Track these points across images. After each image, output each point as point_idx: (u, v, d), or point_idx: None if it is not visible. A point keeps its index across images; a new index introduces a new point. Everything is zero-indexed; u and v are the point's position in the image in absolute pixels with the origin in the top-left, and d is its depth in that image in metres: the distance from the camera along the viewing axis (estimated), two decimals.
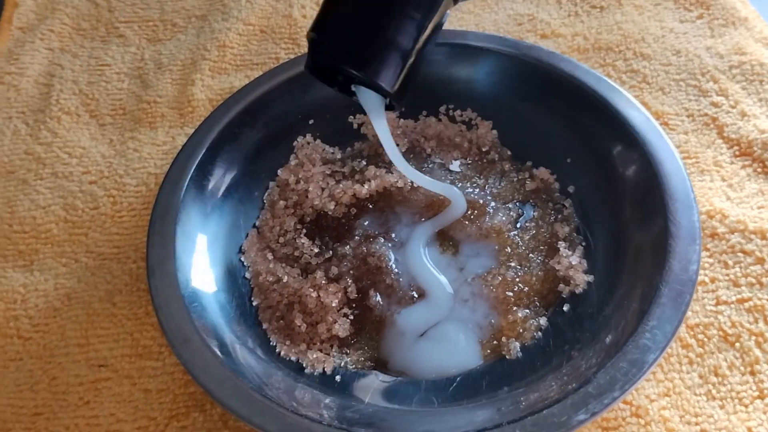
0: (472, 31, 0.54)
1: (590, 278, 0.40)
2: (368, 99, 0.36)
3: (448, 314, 0.39)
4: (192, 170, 0.42)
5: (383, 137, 0.39)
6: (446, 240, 0.42)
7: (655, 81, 0.50)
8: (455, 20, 0.56)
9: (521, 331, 0.39)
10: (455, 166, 0.46)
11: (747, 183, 0.44)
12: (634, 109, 0.43)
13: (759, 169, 0.45)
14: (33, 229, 0.45)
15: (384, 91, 0.33)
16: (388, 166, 0.46)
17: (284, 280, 0.40)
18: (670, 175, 0.39)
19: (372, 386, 0.37)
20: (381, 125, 0.38)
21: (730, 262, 0.41)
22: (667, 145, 0.41)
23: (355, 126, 0.48)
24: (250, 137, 0.45)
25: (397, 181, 0.44)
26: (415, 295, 0.40)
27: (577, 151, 0.44)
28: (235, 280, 0.41)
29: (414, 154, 0.47)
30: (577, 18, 0.55)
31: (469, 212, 0.42)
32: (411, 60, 0.33)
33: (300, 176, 0.45)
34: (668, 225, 0.38)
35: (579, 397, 0.33)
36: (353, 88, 0.36)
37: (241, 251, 0.42)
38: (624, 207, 0.41)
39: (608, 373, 0.33)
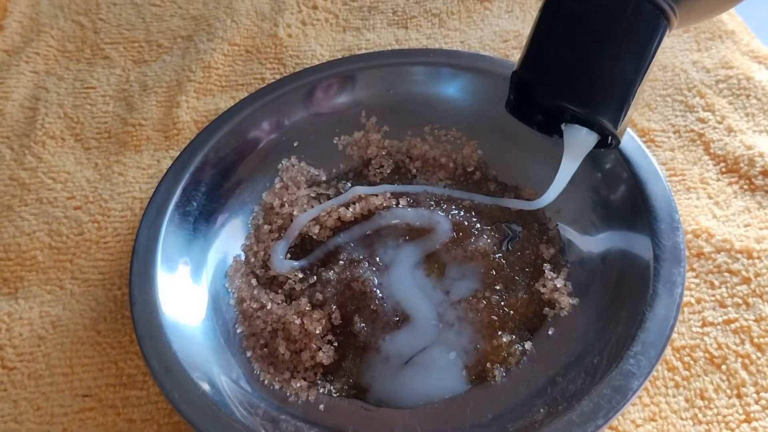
0: (457, 49, 0.54)
1: (575, 301, 0.40)
2: (578, 138, 0.34)
3: (434, 339, 0.39)
4: (176, 195, 0.42)
5: (565, 178, 0.38)
6: (432, 262, 0.42)
7: (641, 97, 0.50)
8: (440, 37, 0.56)
9: (506, 356, 0.38)
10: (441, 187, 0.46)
11: (733, 200, 0.44)
12: None
13: (745, 186, 0.45)
14: (18, 256, 0.45)
15: (608, 131, 0.31)
16: (373, 186, 0.46)
17: (268, 307, 0.40)
18: (655, 196, 0.39)
19: (356, 415, 0.37)
20: (574, 166, 0.36)
21: (716, 282, 0.41)
22: (652, 166, 0.41)
23: (340, 147, 0.48)
24: (235, 161, 0.45)
25: (382, 203, 0.44)
26: (400, 321, 0.39)
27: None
28: (220, 308, 0.41)
29: (399, 175, 0.47)
30: None
31: (454, 234, 0.42)
32: (634, 96, 0.31)
33: (285, 199, 0.45)
34: (653, 247, 0.38)
35: (562, 426, 0.32)
36: (563, 127, 0.34)
37: (225, 277, 0.42)
38: (608, 228, 0.41)
39: (592, 401, 0.33)
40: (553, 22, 0.30)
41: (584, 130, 0.32)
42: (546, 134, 0.35)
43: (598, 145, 0.35)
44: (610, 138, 0.33)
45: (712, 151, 0.47)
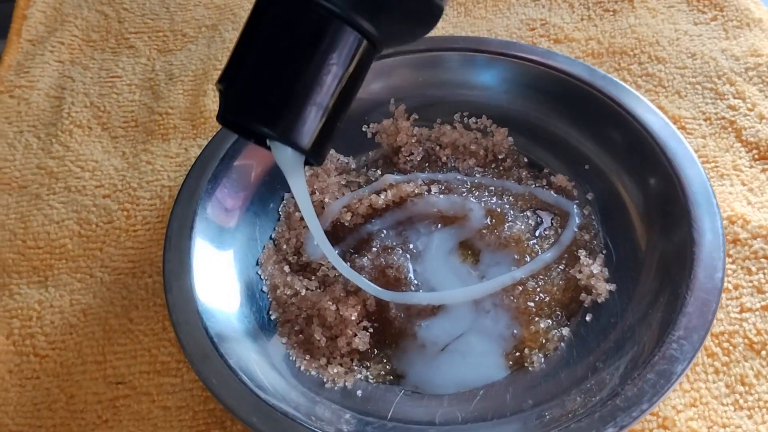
0: (486, 37, 0.54)
1: (612, 287, 0.39)
2: (283, 156, 0.32)
3: (470, 326, 0.38)
4: (206, 183, 0.42)
5: (301, 200, 0.36)
6: (466, 249, 0.42)
7: (671, 84, 0.50)
8: (467, 26, 0.55)
9: (544, 341, 0.38)
10: (472, 174, 0.45)
11: (767, 187, 0.44)
12: (653, 114, 0.42)
13: None
14: (47, 245, 0.44)
15: (298, 149, 0.30)
16: (404, 174, 0.45)
17: (302, 294, 0.40)
18: (691, 181, 0.39)
19: (394, 401, 0.37)
20: (298, 185, 0.35)
21: (753, 268, 0.40)
22: (687, 151, 0.40)
23: (369, 135, 0.47)
24: (265, 148, 0.45)
25: (414, 190, 0.43)
26: (436, 307, 0.39)
27: (595, 158, 0.44)
28: (253, 294, 0.40)
29: (429, 162, 0.46)
30: (590, 22, 0.55)
31: (487, 221, 0.42)
32: (327, 113, 0.30)
33: (315, 187, 0.44)
34: (691, 232, 0.37)
35: (607, 411, 0.32)
36: (268, 143, 0.32)
37: (257, 264, 0.42)
38: (645, 214, 0.41)
39: (636, 386, 0.33)
40: (251, 35, 0.30)
41: (289, 150, 0.31)
42: (266, 148, 0.33)
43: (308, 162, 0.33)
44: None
45: (743, 138, 0.46)
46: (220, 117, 0.30)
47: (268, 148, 0.33)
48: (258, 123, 0.30)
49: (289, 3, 0.29)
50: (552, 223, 0.43)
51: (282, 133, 0.30)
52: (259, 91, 0.29)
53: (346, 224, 0.43)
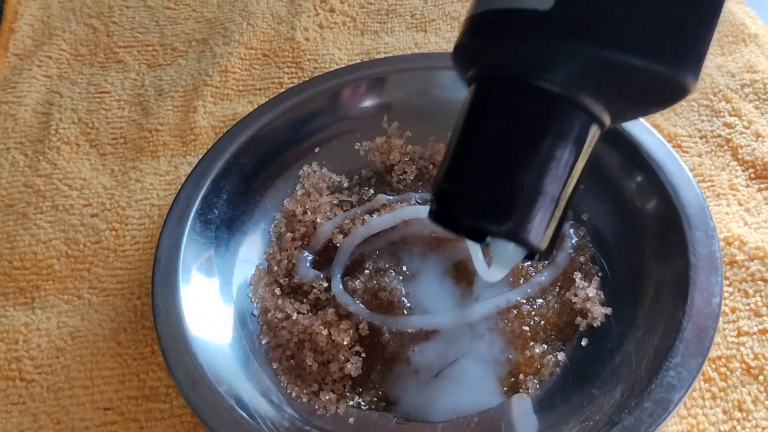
0: None
1: (608, 311, 0.39)
2: (505, 252, 0.30)
3: (464, 351, 0.38)
4: (197, 203, 0.41)
5: (491, 279, 0.34)
6: (460, 271, 0.41)
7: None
8: None
9: (539, 367, 0.38)
10: None
11: (764, 207, 0.43)
12: (649, 134, 0.42)
13: None
14: (34, 265, 0.43)
15: (532, 248, 0.27)
16: (397, 193, 0.45)
17: (293, 317, 0.39)
18: (688, 203, 0.39)
19: (387, 428, 0.36)
20: (503, 275, 0.34)
21: (751, 291, 0.40)
22: (683, 172, 0.40)
23: (362, 153, 0.47)
24: (256, 167, 0.44)
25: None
26: (430, 332, 0.39)
27: (589, 178, 0.43)
28: (244, 318, 0.40)
29: (422, 181, 0.46)
30: None
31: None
32: (561, 209, 0.27)
33: (307, 207, 0.44)
34: (688, 256, 0.37)
35: None
36: (489, 240, 0.29)
37: (249, 286, 0.41)
38: (640, 235, 0.40)
39: (633, 415, 0.32)
40: (474, 133, 0.27)
41: (511, 245, 0.29)
42: (477, 242, 0.30)
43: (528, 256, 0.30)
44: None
45: (740, 156, 0.46)
46: (435, 215, 0.28)
47: (481, 242, 0.29)
48: (490, 223, 0.27)
49: (512, 89, 0.26)
50: None
51: (515, 234, 0.27)
52: (489, 188, 0.27)
53: (338, 245, 0.42)
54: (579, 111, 0.26)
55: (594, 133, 0.27)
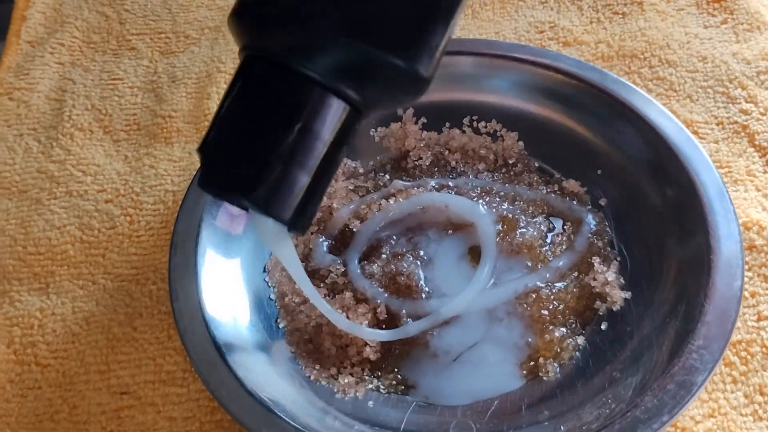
0: (495, 39, 0.53)
1: (627, 295, 0.39)
2: (264, 226, 0.31)
3: (483, 335, 0.38)
4: None
5: (292, 269, 0.35)
6: (477, 254, 0.41)
7: (683, 88, 0.49)
8: (474, 29, 0.55)
9: (558, 350, 0.37)
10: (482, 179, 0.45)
11: None
12: (667, 118, 0.42)
13: None
14: (48, 251, 0.43)
15: (280, 220, 0.29)
16: (413, 179, 0.44)
17: (311, 301, 0.39)
18: (707, 187, 0.38)
19: (407, 412, 0.36)
20: (285, 254, 0.34)
21: None
22: (702, 156, 0.40)
23: (377, 139, 0.47)
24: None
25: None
26: (447, 316, 0.38)
27: (607, 163, 0.43)
28: (261, 302, 0.40)
29: (438, 167, 0.45)
30: (600, 25, 0.54)
31: (498, 227, 0.41)
32: (309, 183, 0.28)
33: None
34: (709, 239, 0.37)
35: (627, 423, 0.31)
36: (249, 212, 0.31)
37: (265, 271, 0.41)
38: (659, 220, 0.40)
39: (655, 396, 0.32)
40: (230, 102, 0.28)
41: (269, 220, 0.30)
42: (240, 208, 0.31)
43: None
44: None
45: (756, 142, 0.46)
46: (201, 184, 0.29)
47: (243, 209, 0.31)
48: (238, 193, 0.29)
49: (270, 70, 0.28)
50: (564, 229, 0.42)
51: (262, 204, 0.28)
52: (238, 160, 0.28)
53: (355, 230, 0.42)
54: (334, 96, 0.28)
55: (349, 117, 0.28)
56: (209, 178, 0.29)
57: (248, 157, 0.28)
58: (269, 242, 0.33)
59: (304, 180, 0.28)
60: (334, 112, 0.28)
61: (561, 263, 0.40)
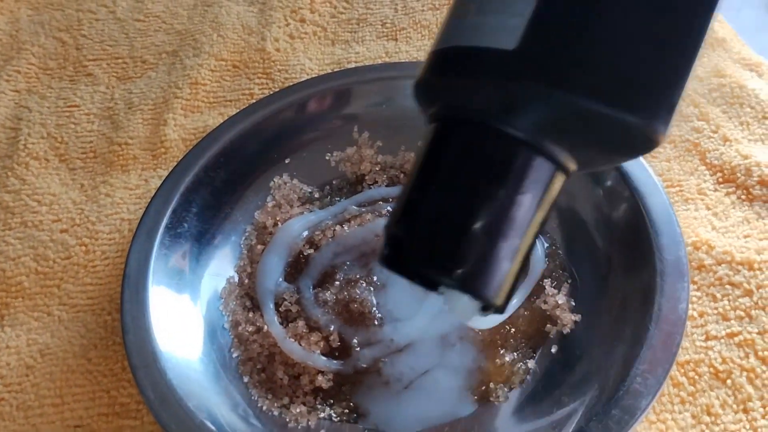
0: None
1: (577, 317, 0.39)
2: (460, 304, 0.27)
3: (436, 361, 0.38)
4: (166, 217, 0.41)
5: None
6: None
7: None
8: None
9: (509, 375, 0.38)
10: None
11: (732, 211, 0.44)
12: None
13: (743, 197, 0.44)
14: (3, 282, 0.43)
15: (487, 302, 0.25)
16: (366, 204, 0.45)
17: (264, 330, 0.39)
18: (655, 209, 0.39)
19: None
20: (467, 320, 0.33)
21: (719, 295, 0.40)
22: (650, 178, 0.40)
23: (333, 163, 0.47)
24: (226, 179, 0.44)
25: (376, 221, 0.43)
26: (400, 343, 0.39)
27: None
28: (214, 332, 0.40)
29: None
30: None
31: None
32: (518, 261, 0.25)
33: (278, 218, 0.44)
34: (655, 262, 0.37)
35: None
36: (441, 290, 0.27)
37: (219, 300, 0.41)
38: (609, 242, 0.40)
39: (600, 422, 0.32)
40: (429, 176, 0.25)
41: (465, 297, 0.26)
42: (430, 290, 0.26)
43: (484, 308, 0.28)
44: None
45: (708, 161, 0.46)
46: (386, 260, 0.26)
47: (435, 290, 0.27)
48: (442, 274, 0.25)
49: (470, 132, 0.24)
50: None
51: (468, 287, 0.25)
52: (443, 236, 0.25)
53: (310, 257, 0.42)
54: (542, 158, 0.24)
55: (558, 181, 0.25)
56: (408, 259, 0.25)
57: (451, 234, 0.24)
58: (461, 317, 0.30)
59: (515, 258, 0.25)
60: (544, 179, 0.24)
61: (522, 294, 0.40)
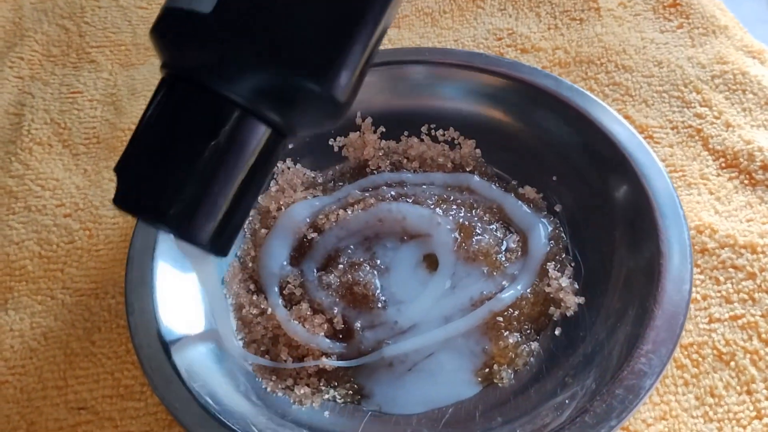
0: (452, 48, 0.53)
1: (581, 300, 0.39)
2: (185, 246, 0.29)
3: (440, 344, 0.38)
4: None
5: (210, 292, 0.35)
6: (433, 262, 0.41)
7: (638, 93, 0.50)
8: (434, 36, 0.55)
9: (513, 357, 0.38)
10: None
11: (734, 195, 0.44)
12: (620, 125, 0.42)
13: (746, 181, 0.44)
14: (6, 266, 0.43)
15: (195, 244, 0.28)
16: (369, 189, 0.45)
17: (268, 312, 0.39)
18: (658, 192, 0.39)
19: (362, 421, 0.36)
20: (204, 275, 0.34)
21: (722, 278, 0.40)
22: (654, 162, 0.40)
23: (336, 148, 0.47)
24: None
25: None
26: (404, 326, 0.39)
27: (562, 169, 0.44)
28: None
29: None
30: (557, 31, 0.55)
31: (455, 235, 0.41)
32: (227, 206, 0.28)
33: (281, 203, 0.44)
34: (659, 244, 0.37)
35: (576, 428, 0.32)
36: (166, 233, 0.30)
37: (223, 283, 0.41)
38: (613, 225, 0.40)
39: (604, 401, 0.32)
40: (148, 121, 0.28)
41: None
42: (154, 228, 0.31)
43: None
44: None
45: (710, 146, 0.46)
46: (115, 202, 0.28)
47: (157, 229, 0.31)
48: (151, 216, 0.28)
49: (190, 90, 0.27)
50: (519, 236, 0.42)
51: (176, 228, 0.27)
52: (153, 182, 0.27)
53: (313, 241, 0.42)
54: (256, 119, 0.27)
55: (267, 139, 0.28)
56: (124, 198, 0.28)
57: (163, 179, 0.27)
58: (193, 262, 0.33)
59: (221, 203, 0.27)
60: (254, 134, 0.27)
61: (516, 270, 0.41)
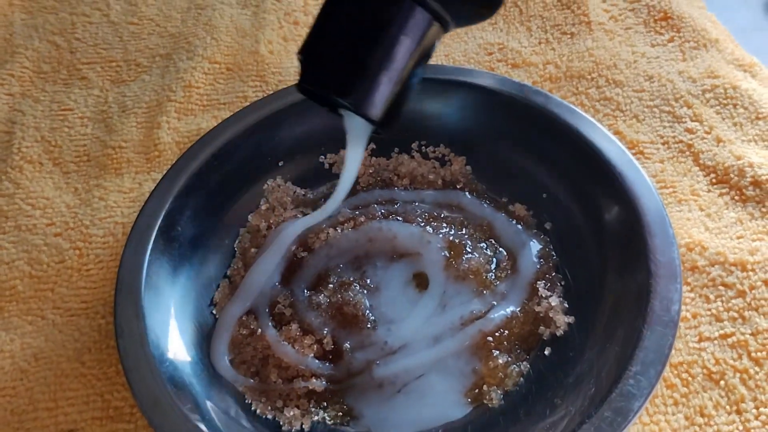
0: (442, 64, 0.53)
1: (570, 319, 0.39)
2: (354, 124, 0.36)
3: (430, 365, 0.38)
4: (159, 221, 0.41)
5: (350, 166, 0.38)
6: (422, 280, 0.41)
7: (629, 108, 0.50)
8: None
9: (503, 377, 0.38)
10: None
11: (725, 212, 0.44)
12: (609, 142, 0.42)
13: (736, 197, 0.44)
14: None
15: (369, 120, 0.33)
16: (360, 207, 0.45)
17: (258, 333, 0.39)
18: (648, 211, 0.39)
19: None
20: (356, 153, 0.37)
21: (712, 296, 0.40)
22: (644, 180, 0.40)
23: (326, 166, 0.47)
24: (219, 183, 0.44)
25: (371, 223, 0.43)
26: (394, 346, 0.39)
27: (552, 186, 0.44)
28: (208, 336, 0.40)
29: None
30: (548, 45, 0.55)
31: (444, 253, 0.41)
32: (397, 88, 0.32)
33: (271, 221, 0.44)
34: (648, 264, 0.37)
35: None
36: (341, 112, 0.35)
37: (212, 304, 0.41)
38: (602, 244, 0.40)
39: (593, 425, 0.32)
40: (329, 10, 0.32)
41: (357, 118, 0.34)
42: (336, 114, 0.36)
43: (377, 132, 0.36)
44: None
45: (701, 162, 0.46)
46: (299, 86, 0.33)
47: (340, 116, 0.36)
48: (334, 93, 0.32)
49: None
50: (509, 255, 0.42)
51: (356, 104, 0.32)
52: (335, 64, 0.32)
53: (303, 259, 0.42)
54: (420, 8, 0.31)
55: (434, 29, 0.32)
56: (308, 81, 0.33)
57: (345, 63, 0.32)
58: (352, 139, 0.37)
59: (393, 85, 0.32)
60: (422, 24, 0.31)
61: (506, 288, 0.40)
